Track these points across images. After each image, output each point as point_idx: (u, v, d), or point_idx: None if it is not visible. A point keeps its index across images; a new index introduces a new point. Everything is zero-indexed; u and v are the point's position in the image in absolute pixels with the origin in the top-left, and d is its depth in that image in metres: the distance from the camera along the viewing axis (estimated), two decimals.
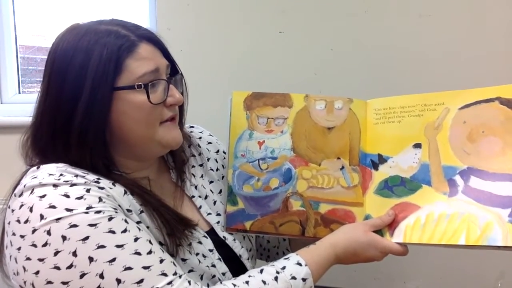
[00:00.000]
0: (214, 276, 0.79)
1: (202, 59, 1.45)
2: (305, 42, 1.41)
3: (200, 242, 0.79)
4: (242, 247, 0.87)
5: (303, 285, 0.72)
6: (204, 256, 0.79)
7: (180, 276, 0.66)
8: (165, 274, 0.65)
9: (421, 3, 1.35)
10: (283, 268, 0.73)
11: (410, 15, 1.36)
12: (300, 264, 0.74)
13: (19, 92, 1.64)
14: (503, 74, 1.31)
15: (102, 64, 0.69)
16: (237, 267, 0.84)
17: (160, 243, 0.72)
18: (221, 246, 0.83)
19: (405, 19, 1.36)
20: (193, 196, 0.86)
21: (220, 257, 0.81)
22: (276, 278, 0.71)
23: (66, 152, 0.71)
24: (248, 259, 0.88)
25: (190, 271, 0.76)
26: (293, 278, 0.72)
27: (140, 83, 0.72)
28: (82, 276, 0.61)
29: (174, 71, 0.81)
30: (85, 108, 0.70)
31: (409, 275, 1.43)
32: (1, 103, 1.61)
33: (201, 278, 0.77)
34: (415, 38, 1.36)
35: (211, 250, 0.81)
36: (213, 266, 0.80)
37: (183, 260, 0.75)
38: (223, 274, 0.80)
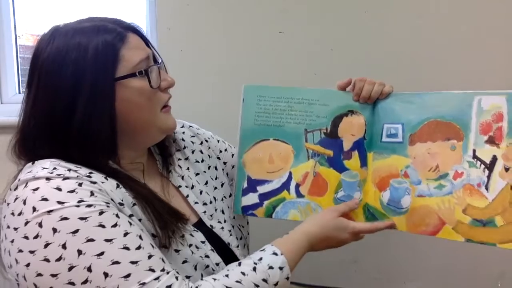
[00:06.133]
0: (207, 266, 0.80)
1: (202, 59, 1.45)
2: (305, 42, 1.41)
3: (192, 235, 0.80)
4: (230, 235, 0.89)
5: (280, 273, 0.73)
6: (197, 247, 0.80)
7: (167, 273, 0.66)
8: (152, 270, 0.65)
9: (421, 3, 1.35)
10: (260, 259, 0.74)
11: (410, 15, 1.36)
12: (276, 254, 0.75)
13: (19, 92, 1.64)
14: (503, 74, 1.31)
15: (99, 58, 0.71)
16: (229, 257, 0.85)
17: (153, 235, 0.72)
18: (210, 236, 0.85)
19: (405, 19, 1.36)
20: (180, 186, 0.88)
21: (212, 248, 0.82)
22: (254, 269, 0.72)
23: (64, 150, 0.71)
24: (237, 247, 0.89)
25: (184, 262, 0.76)
26: (271, 267, 0.73)
27: (140, 70, 0.75)
28: (70, 268, 0.61)
29: (154, 59, 0.83)
30: (88, 103, 0.70)
31: (409, 275, 1.43)
32: (1, 103, 1.60)
33: (195, 269, 0.78)
34: (415, 38, 1.36)
35: (203, 242, 0.82)
36: (207, 256, 0.80)
37: (177, 251, 0.76)
38: (217, 264, 0.81)
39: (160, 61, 0.82)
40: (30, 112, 0.74)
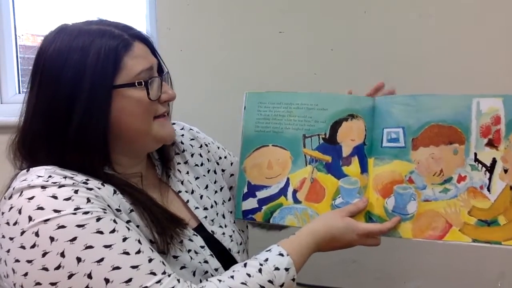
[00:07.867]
0: (206, 272, 0.80)
1: (202, 59, 1.45)
2: (305, 42, 1.41)
3: (191, 240, 0.80)
4: (231, 240, 0.88)
5: (286, 275, 0.73)
6: (196, 252, 0.79)
7: (169, 275, 0.66)
8: (153, 273, 0.65)
9: (421, 3, 1.35)
10: (266, 260, 0.74)
11: (410, 15, 1.36)
12: (282, 255, 0.75)
13: (19, 92, 1.64)
14: (503, 74, 1.31)
15: (100, 63, 0.70)
16: (229, 262, 0.84)
17: (151, 241, 0.72)
18: (210, 241, 0.84)
19: (405, 19, 1.36)
20: (180, 191, 0.87)
21: (212, 253, 0.82)
22: (260, 270, 0.72)
23: (61, 153, 0.71)
24: (238, 252, 0.88)
25: (182, 267, 0.76)
26: (277, 268, 0.73)
27: (140, 81, 0.74)
28: (70, 276, 0.61)
29: (160, 69, 0.82)
30: (85, 108, 0.70)
31: (409, 275, 1.43)
32: (1, 103, 1.60)
33: (194, 275, 0.78)
34: (415, 38, 1.36)
35: (202, 247, 0.81)
36: (206, 262, 0.80)
37: (175, 257, 0.76)
38: (216, 270, 0.81)
39: (165, 71, 0.81)
40: (31, 113, 0.74)
